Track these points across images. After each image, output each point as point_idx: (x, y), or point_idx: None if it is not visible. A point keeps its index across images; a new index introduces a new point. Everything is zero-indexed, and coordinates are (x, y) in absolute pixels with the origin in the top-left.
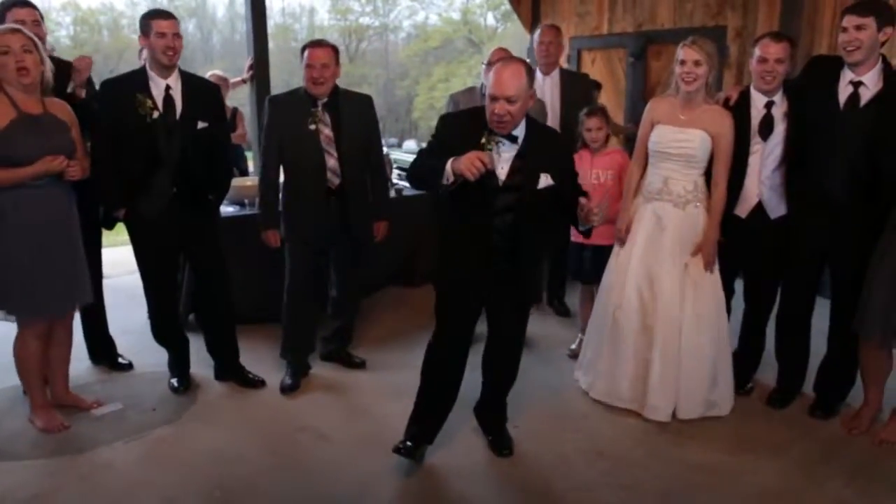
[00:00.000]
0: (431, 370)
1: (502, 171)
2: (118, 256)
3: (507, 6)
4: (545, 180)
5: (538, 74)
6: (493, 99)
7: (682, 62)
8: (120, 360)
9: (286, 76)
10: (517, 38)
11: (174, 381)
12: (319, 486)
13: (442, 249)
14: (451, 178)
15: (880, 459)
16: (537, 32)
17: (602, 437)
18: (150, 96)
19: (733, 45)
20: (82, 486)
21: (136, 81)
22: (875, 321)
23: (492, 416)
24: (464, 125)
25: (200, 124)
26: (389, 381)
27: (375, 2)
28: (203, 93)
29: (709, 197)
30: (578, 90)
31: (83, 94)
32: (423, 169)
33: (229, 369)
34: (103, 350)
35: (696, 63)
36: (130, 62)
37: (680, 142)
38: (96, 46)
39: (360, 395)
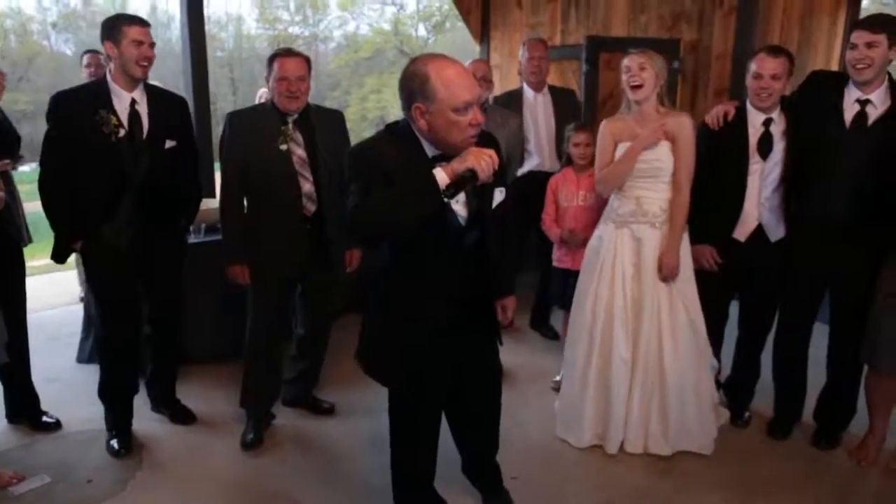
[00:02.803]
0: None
1: (460, 205)
2: (33, 288)
3: (438, 17)
4: (499, 195)
5: (528, 91)
6: (468, 105)
7: (628, 69)
8: (44, 418)
9: (212, 87)
10: (450, 51)
11: (114, 443)
12: None
13: (385, 328)
14: (449, 182)
15: None
16: (524, 47)
17: (604, 485)
18: (115, 112)
19: (688, 58)
20: None
21: (96, 95)
22: (884, 350)
23: (484, 477)
24: (391, 158)
25: (168, 143)
26: (363, 429)
27: (305, 11)
28: (170, 107)
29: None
30: (569, 106)
31: None
32: (389, 203)
33: (165, 401)
34: (23, 407)
35: (642, 67)
36: (41, 70)
37: (646, 161)
38: (2, 53)
39: (332, 447)
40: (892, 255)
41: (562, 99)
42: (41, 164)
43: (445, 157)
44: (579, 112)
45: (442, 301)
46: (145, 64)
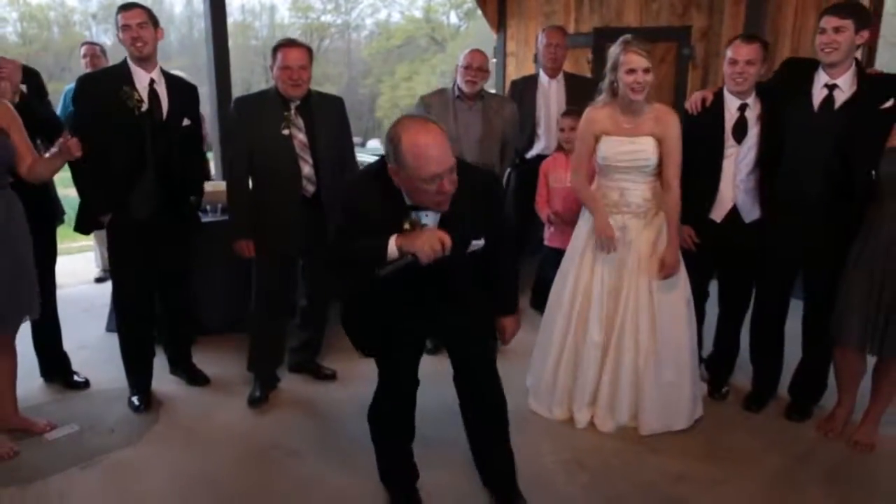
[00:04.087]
0: (385, 426)
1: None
2: (71, 266)
3: (470, 4)
4: (476, 244)
5: (543, 77)
6: (436, 177)
7: (633, 71)
8: (75, 377)
9: (246, 75)
10: (480, 37)
11: (135, 399)
12: None
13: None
14: (398, 256)
15: (855, 462)
16: (542, 34)
17: (580, 448)
18: (136, 89)
19: (699, 45)
20: None
21: (118, 75)
22: (852, 326)
23: (496, 468)
24: (376, 206)
25: (185, 122)
26: (361, 393)
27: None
28: (185, 90)
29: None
30: (583, 94)
31: (16, 98)
32: (358, 254)
33: (182, 365)
34: (56, 367)
35: (647, 71)
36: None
37: (631, 153)
38: (45, 44)
39: (331, 409)
40: (859, 235)
41: (576, 86)
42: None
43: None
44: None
45: (413, 313)
46: (139, 45)
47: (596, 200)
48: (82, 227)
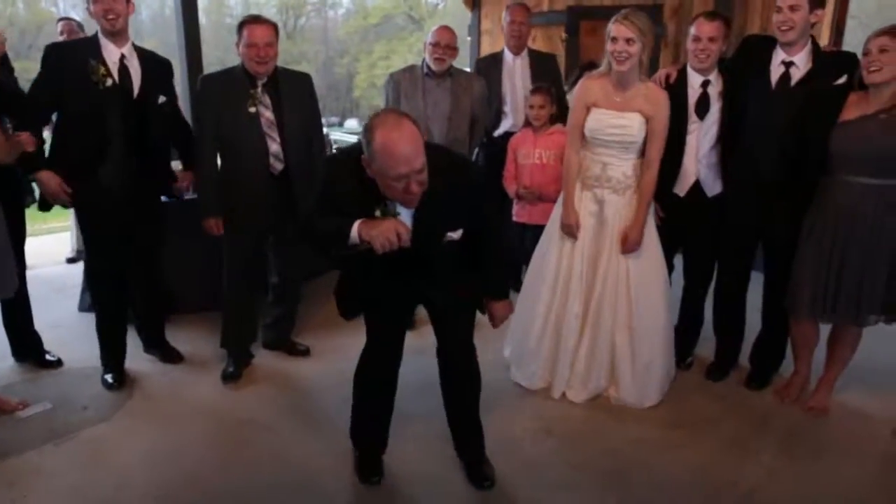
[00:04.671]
0: (368, 385)
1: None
2: (41, 247)
3: None
4: (452, 235)
5: (508, 55)
6: (402, 177)
7: (614, 39)
8: (47, 356)
9: (220, 53)
10: (457, 16)
11: (108, 377)
12: (264, 479)
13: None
14: (358, 241)
15: (808, 426)
16: (506, 12)
17: (550, 416)
18: (104, 63)
19: (670, 23)
20: (10, 494)
21: (86, 48)
22: (804, 296)
23: (464, 436)
24: (350, 188)
25: (161, 98)
26: (335, 369)
27: None
28: (159, 67)
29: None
30: (548, 70)
31: None
32: (325, 232)
33: (155, 343)
34: (28, 346)
35: (629, 41)
36: (50, 36)
37: (618, 128)
38: (10, 19)
39: (304, 384)
40: (810, 210)
41: (541, 63)
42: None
43: None
44: (559, 76)
45: (398, 286)
46: (110, 17)
47: (569, 185)
48: (44, 204)
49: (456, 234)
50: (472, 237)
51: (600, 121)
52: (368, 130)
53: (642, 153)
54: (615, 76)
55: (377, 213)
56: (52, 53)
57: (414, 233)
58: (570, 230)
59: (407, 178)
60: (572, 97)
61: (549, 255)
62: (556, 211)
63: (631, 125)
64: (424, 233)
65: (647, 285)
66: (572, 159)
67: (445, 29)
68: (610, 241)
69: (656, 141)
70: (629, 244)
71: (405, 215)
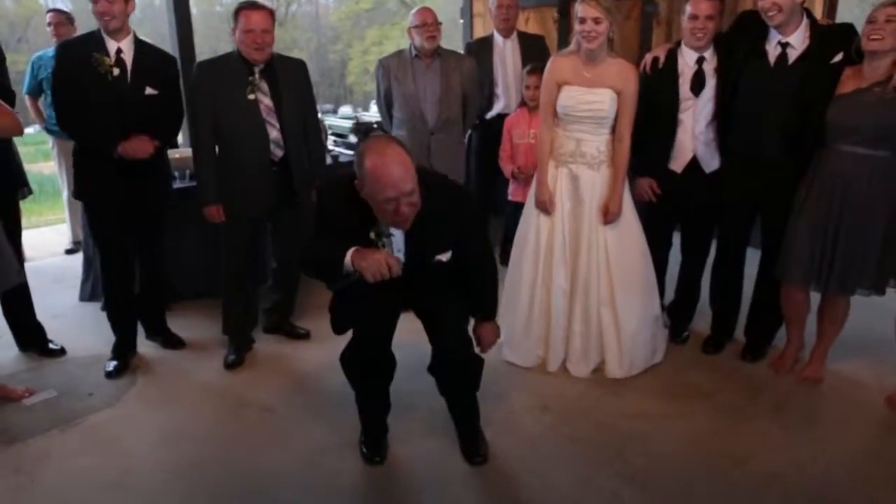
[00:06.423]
0: (353, 368)
1: (399, 255)
2: (40, 238)
3: None
4: (442, 258)
5: (497, 37)
6: (391, 200)
7: (582, 20)
8: (51, 345)
9: (213, 43)
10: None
11: (112, 364)
12: (266, 461)
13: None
14: (352, 269)
15: (803, 396)
16: None
17: (547, 393)
18: (108, 55)
19: (662, 2)
20: (18, 480)
21: (91, 42)
22: (796, 264)
23: (460, 412)
24: (345, 212)
25: (149, 90)
26: (335, 351)
27: None
28: (156, 61)
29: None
30: (537, 51)
31: None
32: (322, 259)
33: (157, 330)
34: (31, 336)
35: (596, 20)
36: (38, 29)
37: (590, 103)
38: None
39: (305, 367)
40: (804, 180)
41: (530, 44)
42: (55, 108)
43: None
44: (548, 57)
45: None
46: (106, 19)
47: (542, 162)
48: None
49: (445, 257)
50: (462, 260)
51: (572, 97)
52: (360, 156)
53: (614, 129)
54: (584, 53)
55: (371, 234)
56: (60, 52)
57: (406, 254)
58: (544, 206)
59: (396, 200)
60: (544, 76)
61: (529, 232)
62: (533, 188)
63: (602, 100)
64: (415, 252)
65: (626, 253)
66: (545, 137)
67: (426, 9)
68: (588, 216)
69: (626, 115)
70: (610, 215)
71: (398, 236)
